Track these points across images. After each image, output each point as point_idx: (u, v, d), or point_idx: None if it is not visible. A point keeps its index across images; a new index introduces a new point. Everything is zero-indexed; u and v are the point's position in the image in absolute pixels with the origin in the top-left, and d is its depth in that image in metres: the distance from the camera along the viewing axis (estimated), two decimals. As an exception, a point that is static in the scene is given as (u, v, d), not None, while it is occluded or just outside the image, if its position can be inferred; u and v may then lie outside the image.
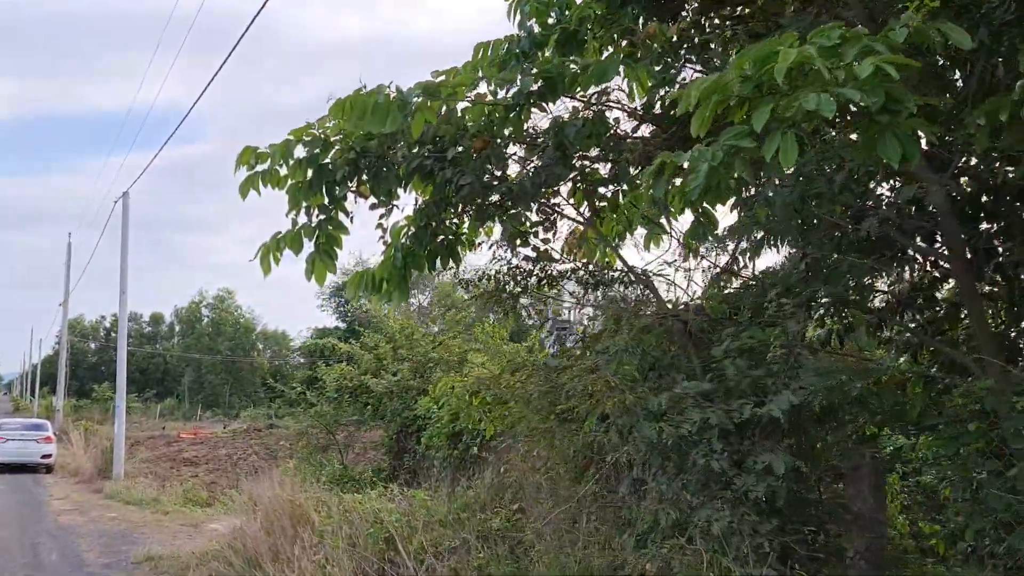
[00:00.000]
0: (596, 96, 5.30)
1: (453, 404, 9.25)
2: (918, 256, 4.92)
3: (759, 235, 5.12)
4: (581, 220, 6.00)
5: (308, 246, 5.55)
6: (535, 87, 4.80)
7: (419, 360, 10.87)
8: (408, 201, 5.67)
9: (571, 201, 5.94)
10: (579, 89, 5.04)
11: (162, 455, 30.40)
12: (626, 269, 5.96)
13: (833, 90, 2.95)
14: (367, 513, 8.05)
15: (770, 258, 5.56)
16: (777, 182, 4.58)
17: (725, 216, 5.62)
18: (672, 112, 4.15)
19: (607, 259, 6.26)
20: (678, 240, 5.75)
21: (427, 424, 10.01)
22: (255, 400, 76.27)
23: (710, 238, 5.50)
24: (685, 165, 3.45)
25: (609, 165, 5.61)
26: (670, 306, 5.42)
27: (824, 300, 4.85)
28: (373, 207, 5.63)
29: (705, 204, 4.63)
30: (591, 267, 6.20)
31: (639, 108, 5.46)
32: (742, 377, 4.40)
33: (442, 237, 5.48)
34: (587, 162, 5.60)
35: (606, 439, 4.98)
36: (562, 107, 5.35)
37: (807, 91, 2.98)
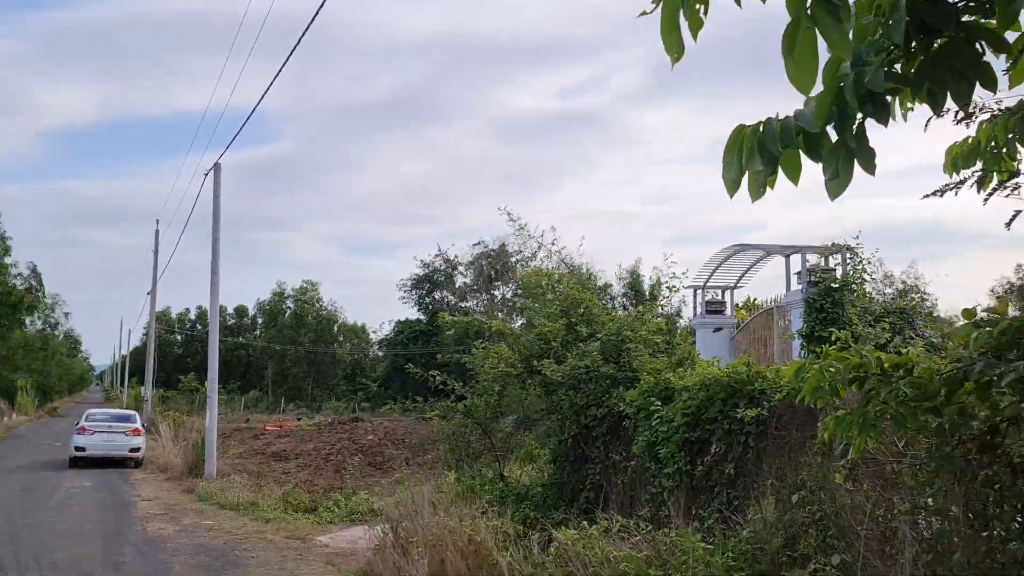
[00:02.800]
0: None
1: (698, 398, 6.46)
2: None
3: None
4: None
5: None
6: None
7: (612, 341, 8.08)
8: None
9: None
10: None
11: (250, 449, 28.62)
12: None
13: None
14: (592, 559, 5.35)
15: None
16: None
17: None
18: None
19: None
20: None
21: (635, 425, 7.25)
22: (337, 393, 75.22)
23: None
24: None
25: None
26: None
27: None
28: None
29: None
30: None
31: None
32: None
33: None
34: None
35: None
36: None
37: None
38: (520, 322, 60.67)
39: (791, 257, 16.77)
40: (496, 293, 72.83)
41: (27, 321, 36.20)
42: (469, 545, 6.19)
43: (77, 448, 22.76)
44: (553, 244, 9.11)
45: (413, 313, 74.90)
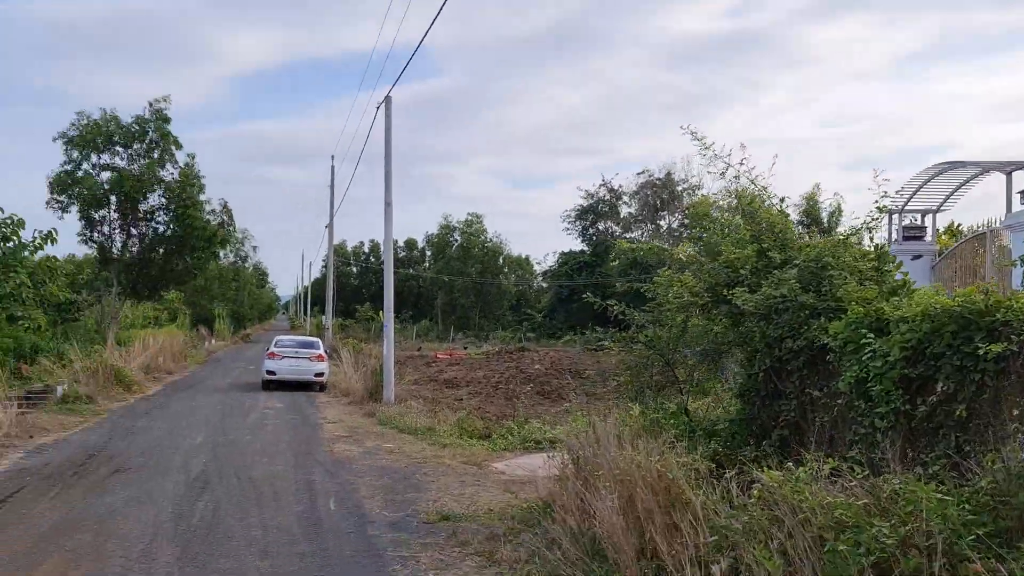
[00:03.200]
0: None
1: (921, 330, 5.69)
2: None
3: None
4: None
5: None
6: None
7: (811, 267, 7.35)
8: None
9: None
10: None
11: (424, 376, 29.63)
12: None
13: None
14: (802, 504, 4.84)
15: None
16: None
17: None
18: None
19: None
20: None
21: (840, 359, 6.56)
22: (503, 323, 76.83)
23: None
24: None
25: None
26: None
27: None
28: None
29: None
30: None
31: None
32: None
33: None
34: None
35: None
36: None
37: None
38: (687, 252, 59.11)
39: (1013, 174, 14.91)
40: (662, 223, 71.23)
41: (220, 254, 38.86)
42: (659, 481, 5.83)
43: (268, 372, 24.37)
44: (742, 164, 8.29)
45: (577, 244, 74.78)
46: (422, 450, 13.46)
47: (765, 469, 5.32)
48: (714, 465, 6.76)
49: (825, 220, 39.75)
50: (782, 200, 8.67)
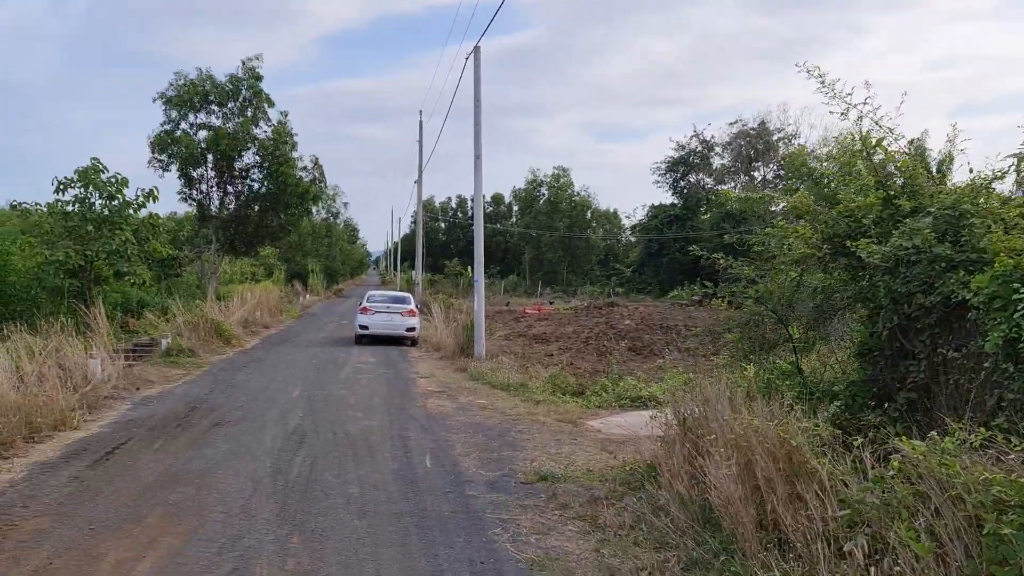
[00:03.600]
0: None
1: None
2: None
3: None
4: None
5: None
6: None
7: (947, 216, 6.65)
8: None
9: None
10: None
11: (513, 331, 29.53)
12: None
13: None
14: (953, 480, 4.31)
15: None
16: None
17: None
18: None
19: None
20: None
21: (984, 317, 5.90)
22: (591, 277, 76.18)
23: None
24: None
25: None
26: None
27: None
28: None
29: None
30: None
31: None
32: None
33: None
34: None
35: None
36: None
37: None
38: (781, 205, 56.95)
39: None
40: (756, 175, 68.82)
41: (313, 210, 39.44)
42: (780, 448, 5.36)
43: (361, 327, 24.63)
44: (866, 103, 7.55)
45: (667, 197, 73.19)
46: (515, 407, 13.26)
47: (904, 438, 4.80)
48: (837, 431, 6.23)
49: (934, 168, 37.54)
50: (912, 143, 7.89)
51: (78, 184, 19.67)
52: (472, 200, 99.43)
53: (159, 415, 11.71)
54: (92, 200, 19.97)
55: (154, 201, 20.80)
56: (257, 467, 8.41)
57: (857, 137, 7.55)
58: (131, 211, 20.54)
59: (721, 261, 8.60)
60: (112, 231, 19.87)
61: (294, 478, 7.97)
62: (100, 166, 19.93)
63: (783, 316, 7.83)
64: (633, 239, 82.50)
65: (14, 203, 19.48)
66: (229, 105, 30.34)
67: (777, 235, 7.68)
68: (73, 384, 12.41)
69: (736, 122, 70.08)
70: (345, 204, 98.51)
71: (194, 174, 30.47)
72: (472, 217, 35.30)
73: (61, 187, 19.49)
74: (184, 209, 36.80)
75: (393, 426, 11.15)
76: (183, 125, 30.07)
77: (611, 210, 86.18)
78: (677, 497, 6.46)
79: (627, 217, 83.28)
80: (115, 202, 20.25)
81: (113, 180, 20.10)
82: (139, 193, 20.55)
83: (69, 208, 19.60)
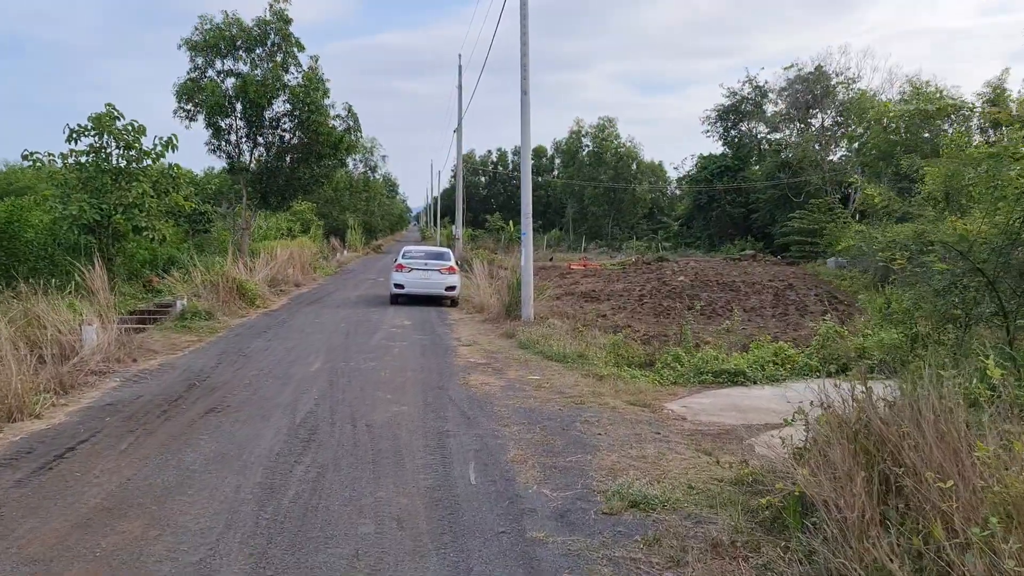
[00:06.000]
0: None
1: None
2: None
3: None
4: None
5: None
6: None
7: None
8: None
9: None
10: None
11: (559, 289, 27.23)
12: None
13: None
14: None
15: None
16: None
17: None
18: None
19: None
20: None
21: None
22: (637, 232, 73.16)
23: None
24: None
25: None
26: None
27: None
28: None
29: None
30: None
31: None
32: None
33: None
34: None
35: None
36: None
37: None
38: (840, 153, 53.03)
39: None
40: (813, 122, 64.80)
41: (348, 162, 37.23)
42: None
43: (396, 285, 22.52)
44: None
45: (716, 148, 69.58)
46: (575, 384, 10.98)
47: None
48: None
49: (1015, 110, 34.05)
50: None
51: (92, 132, 17.79)
52: (514, 152, 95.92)
53: (145, 397, 9.65)
54: (108, 149, 18.08)
55: (173, 150, 18.76)
56: (242, 483, 6.23)
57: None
58: (149, 161, 18.56)
59: (877, 196, 6.09)
60: (128, 183, 17.93)
61: (287, 505, 5.76)
62: (116, 112, 18.02)
63: (993, 277, 5.30)
64: (679, 192, 79.09)
65: (26, 152, 17.57)
66: (257, 51, 28.22)
67: (994, 156, 5.12)
68: (49, 358, 10.42)
69: (792, 66, 65.84)
70: (384, 157, 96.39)
71: (222, 124, 28.61)
72: (517, 169, 32.68)
73: (74, 136, 17.64)
74: (216, 164, 34.98)
75: (428, 414, 8.92)
76: (209, 72, 28.17)
77: (657, 162, 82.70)
78: (857, 558, 4.11)
79: (675, 168, 79.87)
80: (132, 152, 18.30)
81: (129, 128, 18.12)
82: (157, 142, 18.52)
83: (83, 159, 17.68)
